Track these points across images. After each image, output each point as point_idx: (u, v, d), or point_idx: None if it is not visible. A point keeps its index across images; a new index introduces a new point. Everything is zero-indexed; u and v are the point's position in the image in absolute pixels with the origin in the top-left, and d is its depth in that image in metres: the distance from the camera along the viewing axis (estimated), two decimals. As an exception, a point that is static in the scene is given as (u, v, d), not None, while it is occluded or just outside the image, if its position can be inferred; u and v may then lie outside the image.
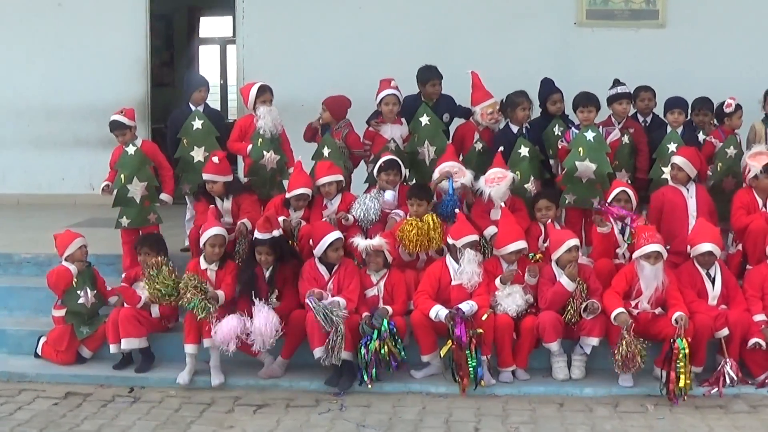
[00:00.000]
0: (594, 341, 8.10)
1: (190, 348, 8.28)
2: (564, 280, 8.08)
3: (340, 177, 9.01)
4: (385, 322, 8.02)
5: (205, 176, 9.08)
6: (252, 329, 8.02)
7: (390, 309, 8.23)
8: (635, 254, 8.11)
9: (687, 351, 7.62)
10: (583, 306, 8.06)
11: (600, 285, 8.24)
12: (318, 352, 8.03)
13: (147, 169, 9.35)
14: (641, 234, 8.13)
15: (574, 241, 8.19)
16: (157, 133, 13.01)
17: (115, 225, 9.35)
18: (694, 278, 8.24)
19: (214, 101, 17.31)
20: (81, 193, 13.15)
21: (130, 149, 9.31)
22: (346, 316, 8.00)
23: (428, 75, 9.67)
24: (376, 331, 7.98)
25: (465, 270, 8.16)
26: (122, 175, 9.24)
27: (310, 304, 7.96)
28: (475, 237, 8.32)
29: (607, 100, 9.43)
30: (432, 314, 8.04)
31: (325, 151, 9.32)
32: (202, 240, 8.49)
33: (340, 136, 9.55)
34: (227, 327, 8.03)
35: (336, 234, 8.39)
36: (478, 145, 9.38)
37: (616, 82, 9.49)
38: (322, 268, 8.41)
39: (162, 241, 8.93)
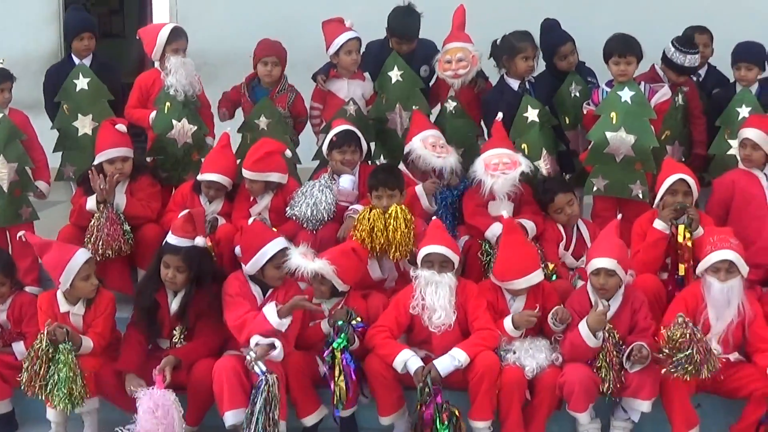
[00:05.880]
0: (643, 405, 5.63)
1: (54, 414, 5.80)
2: (583, 330, 5.59)
3: (276, 177, 6.52)
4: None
5: (108, 153, 6.59)
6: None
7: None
8: (700, 267, 5.76)
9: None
10: (626, 352, 5.59)
11: (653, 322, 5.72)
12: (231, 416, 5.60)
13: (18, 145, 6.88)
14: (709, 237, 5.76)
15: (603, 262, 5.64)
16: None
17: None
18: (792, 306, 5.85)
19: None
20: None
21: (-7, 117, 6.88)
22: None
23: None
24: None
25: (433, 304, 5.69)
26: (-18, 155, 6.84)
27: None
28: (440, 249, 5.79)
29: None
30: (397, 365, 5.65)
31: (263, 122, 7.01)
32: (67, 276, 5.84)
33: (285, 101, 7.19)
34: None
35: (280, 243, 5.88)
36: (450, 105, 7.03)
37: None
38: (255, 288, 5.92)
39: (10, 264, 6.30)
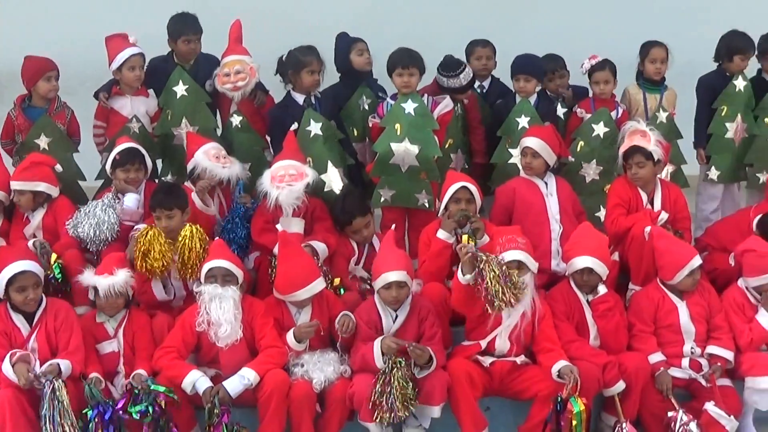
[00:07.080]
0: (434, 411, 5.68)
1: None
2: (377, 350, 5.64)
3: (43, 186, 6.37)
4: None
5: None
6: None
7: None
8: None
9: (585, 416, 5.53)
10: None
11: (439, 330, 5.80)
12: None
13: None
14: (498, 238, 5.89)
15: (394, 275, 5.70)
16: None
17: None
18: (571, 307, 5.98)
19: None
20: None
21: None
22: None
23: (180, 28, 7.10)
24: None
25: (218, 318, 5.62)
26: None
27: None
28: (222, 263, 5.76)
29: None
30: (186, 386, 5.55)
31: (43, 141, 6.78)
32: None
33: (63, 118, 6.97)
34: None
35: (22, 265, 5.63)
36: (236, 119, 6.94)
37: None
38: (18, 317, 5.68)
39: None
